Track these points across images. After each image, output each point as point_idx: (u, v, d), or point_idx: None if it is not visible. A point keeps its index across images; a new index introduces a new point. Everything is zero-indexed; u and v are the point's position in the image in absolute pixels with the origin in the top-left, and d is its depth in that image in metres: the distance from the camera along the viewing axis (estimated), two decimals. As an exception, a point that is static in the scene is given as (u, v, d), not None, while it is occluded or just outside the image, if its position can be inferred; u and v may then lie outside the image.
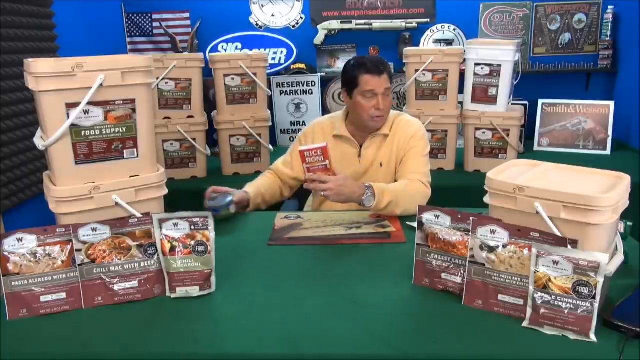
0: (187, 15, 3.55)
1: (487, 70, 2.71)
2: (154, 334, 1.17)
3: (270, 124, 2.88)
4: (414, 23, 3.44)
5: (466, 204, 1.64)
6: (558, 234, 1.18)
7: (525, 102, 3.16)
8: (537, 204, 1.21)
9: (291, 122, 3.56)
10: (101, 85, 1.33)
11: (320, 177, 1.66)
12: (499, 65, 2.68)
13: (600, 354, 1.05)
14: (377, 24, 3.46)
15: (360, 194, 1.72)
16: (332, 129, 2.04)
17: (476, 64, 2.73)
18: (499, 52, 2.67)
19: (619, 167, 1.49)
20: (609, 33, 3.35)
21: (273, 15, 3.59)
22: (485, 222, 1.21)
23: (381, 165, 1.99)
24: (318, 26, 3.52)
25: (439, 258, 1.30)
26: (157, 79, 2.60)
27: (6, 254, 1.23)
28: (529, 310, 1.14)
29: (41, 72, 1.29)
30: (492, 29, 3.50)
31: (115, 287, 1.30)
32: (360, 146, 2.01)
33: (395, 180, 1.97)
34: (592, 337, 1.08)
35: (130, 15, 3.55)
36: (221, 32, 3.55)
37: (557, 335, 1.11)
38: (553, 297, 1.11)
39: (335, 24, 3.50)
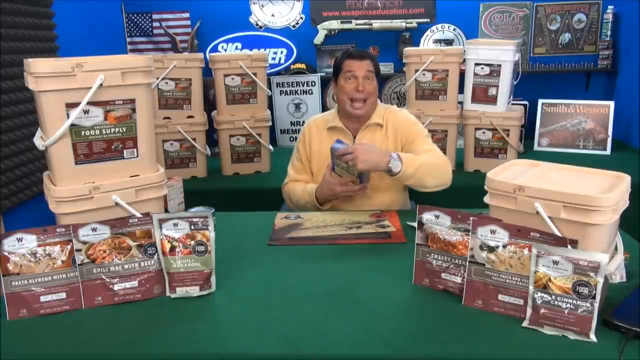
0: (187, 15, 3.55)
1: (487, 70, 2.70)
2: (154, 334, 1.17)
3: (270, 124, 2.88)
4: (414, 23, 3.44)
5: (466, 204, 1.64)
6: (558, 234, 1.18)
7: (525, 102, 3.16)
8: (537, 204, 1.21)
9: (291, 122, 3.56)
10: (101, 85, 1.33)
11: (347, 149, 1.71)
12: (499, 65, 2.68)
13: (600, 354, 1.05)
14: (377, 24, 3.46)
15: (386, 160, 1.73)
16: (325, 123, 2.07)
17: (476, 64, 2.73)
18: (499, 52, 2.67)
19: (619, 167, 1.49)
20: (609, 33, 3.36)
21: (273, 15, 3.59)
22: (485, 222, 1.21)
23: None
24: (318, 26, 3.52)
25: (439, 258, 1.30)
26: (157, 79, 2.60)
27: (6, 254, 1.23)
28: (529, 310, 1.14)
29: (41, 72, 1.29)
30: (492, 29, 3.50)
31: (115, 287, 1.30)
32: (354, 137, 2.03)
33: None
34: (592, 337, 1.08)
35: (130, 15, 3.55)
36: (221, 32, 3.55)
37: (557, 335, 1.11)
38: (553, 297, 1.11)
39: (335, 24, 3.50)
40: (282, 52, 3.56)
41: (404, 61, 2.84)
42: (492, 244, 1.20)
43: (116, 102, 1.37)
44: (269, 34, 3.59)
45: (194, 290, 1.31)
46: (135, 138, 1.42)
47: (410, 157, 1.79)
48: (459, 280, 1.27)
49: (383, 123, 2.01)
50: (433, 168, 1.82)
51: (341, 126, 2.03)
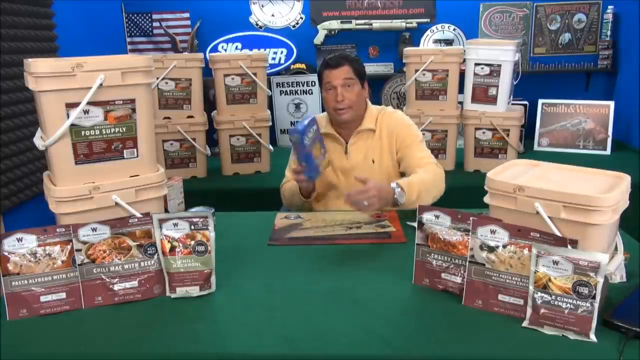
0: (187, 15, 3.55)
1: (487, 70, 2.71)
2: (154, 334, 1.17)
3: (270, 124, 2.88)
4: (414, 23, 3.44)
5: (466, 204, 1.64)
6: (558, 234, 1.18)
7: (525, 102, 3.16)
8: (537, 204, 1.21)
9: (291, 122, 3.56)
10: (101, 85, 1.33)
11: (359, 189, 1.63)
12: (499, 65, 2.68)
13: (600, 354, 1.05)
14: (377, 24, 3.46)
15: (392, 194, 1.70)
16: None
17: (476, 64, 2.73)
18: (499, 52, 2.67)
19: (619, 167, 1.49)
20: (609, 33, 3.36)
21: (273, 15, 3.59)
22: (485, 222, 1.21)
23: (373, 162, 1.99)
24: (318, 26, 3.52)
25: (439, 258, 1.30)
26: (157, 79, 2.60)
27: (6, 254, 1.23)
28: (529, 310, 1.14)
29: (41, 72, 1.29)
30: (492, 29, 3.51)
31: (115, 287, 1.30)
32: (347, 143, 2.01)
33: (402, 174, 1.98)
34: (592, 337, 1.08)
35: (130, 15, 3.55)
36: (221, 32, 3.55)
37: (557, 335, 1.11)
38: (553, 297, 1.11)
39: (335, 24, 3.50)
40: (282, 52, 3.56)
41: (404, 61, 2.84)
42: (492, 244, 1.20)
43: (116, 102, 1.37)
44: (269, 34, 3.59)
45: (194, 290, 1.31)
46: (135, 138, 1.42)
47: (410, 184, 1.75)
48: (459, 280, 1.27)
49: (376, 128, 1.99)
50: (431, 186, 1.81)
51: (333, 133, 2.01)
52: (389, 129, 1.99)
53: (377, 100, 2.32)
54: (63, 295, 1.27)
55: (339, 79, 1.91)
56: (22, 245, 1.24)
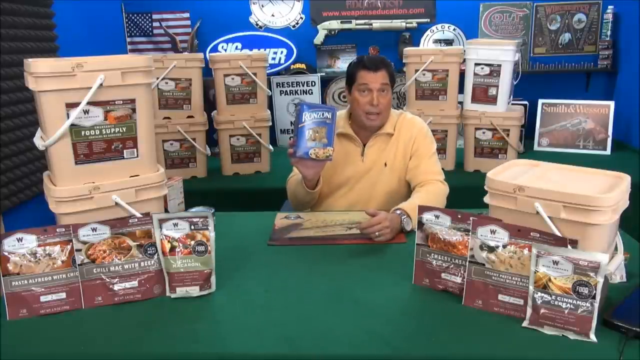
0: (187, 15, 3.55)
1: (487, 70, 2.70)
2: (154, 334, 1.17)
3: (270, 124, 2.88)
4: (414, 23, 3.44)
5: (466, 204, 1.64)
6: (558, 234, 1.18)
7: (525, 102, 3.16)
8: (537, 204, 1.21)
9: (291, 122, 3.55)
10: (101, 85, 1.33)
11: (371, 221, 1.63)
12: (499, 65, 2.68)
13: (600, 354, 1.05)
14: (377, 24, 3.46)
15: (399, 221, 1.69)
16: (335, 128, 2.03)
17: (476, 64, 2.73)
18: (499, 52, 2.67)
19: (619, 167, 1.49)
20: (609, 33, 3.36)
21: (273, 15, 3.59)
22: (485, 222, 1.21)
23: (385, 165, 1.98)
24: (318, 26, 3.52)
25: (439, 258, 1.30)
26: (157, 79, 2.60)
27: (6, 254, 1.23)
28: (529, 310, 1.14)
29: (41, 72, 1.29)
30: (492, 29, 3.50)
31: (115, 287, 1.30)
32: (364, 145, 2.00)
33: (407, 181, 1.98)
34: (592, 337, 1.08)
35: (130, 15, 3.55)
36: (221, 32, 3.55)
37: (557, 335, 1.11)
38: (553, 297, 1.11)
39: (335, 24, 3.50)
40: (282, 52, 3.56)
41: (404, 61, 2.84)
42: (492, 244, 1.20)
43: (116, 102, 1.37)
44: (269, 34, 3.59)
45: (194, 290, 1.31)
46: (135, 138, 1.42)
47: (415, 209, 1.68)
48: (459, 280, 1.27)
49: (394, 132, 1.98)
50: (436, 203, 1.75)
51: (352, 134, 1.99)
52: (408, 134, 1.97)
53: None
54: (63, 295, 1.27)
55: (377, 83, 1.89)
56: (22, 245, 1.24)
